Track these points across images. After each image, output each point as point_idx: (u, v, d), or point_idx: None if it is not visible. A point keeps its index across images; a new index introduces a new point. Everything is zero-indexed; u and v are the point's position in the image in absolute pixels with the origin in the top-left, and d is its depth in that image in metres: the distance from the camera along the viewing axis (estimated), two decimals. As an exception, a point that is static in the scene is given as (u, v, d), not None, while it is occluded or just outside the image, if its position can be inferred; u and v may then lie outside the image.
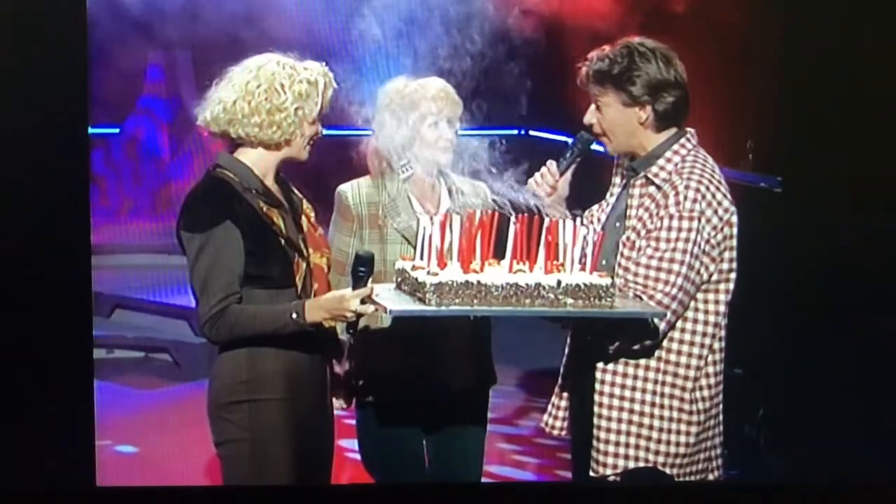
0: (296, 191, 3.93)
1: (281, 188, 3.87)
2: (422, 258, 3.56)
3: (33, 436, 4.53)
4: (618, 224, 3.73)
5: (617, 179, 3.92)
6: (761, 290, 5.42)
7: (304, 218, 3.89)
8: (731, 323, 5.92)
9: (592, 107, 3.78)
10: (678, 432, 3.70)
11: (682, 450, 3.71)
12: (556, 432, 3.96)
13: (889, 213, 4.90)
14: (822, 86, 5.06)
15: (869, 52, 4.88)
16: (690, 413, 3.70)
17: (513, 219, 3.59)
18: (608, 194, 3.94)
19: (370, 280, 3.67)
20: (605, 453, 3.73)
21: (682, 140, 3.75)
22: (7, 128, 4.45)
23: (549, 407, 3.98)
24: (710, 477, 3.80)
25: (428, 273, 3.45)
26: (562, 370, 3.95)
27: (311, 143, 3.83)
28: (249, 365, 3.78)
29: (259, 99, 3.73)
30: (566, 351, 3.92)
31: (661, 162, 3.71)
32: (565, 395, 3.94)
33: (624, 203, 3.76)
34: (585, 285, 3.44)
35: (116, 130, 8.05)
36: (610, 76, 3.71)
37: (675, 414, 3.70)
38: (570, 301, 3.44)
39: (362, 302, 3.62)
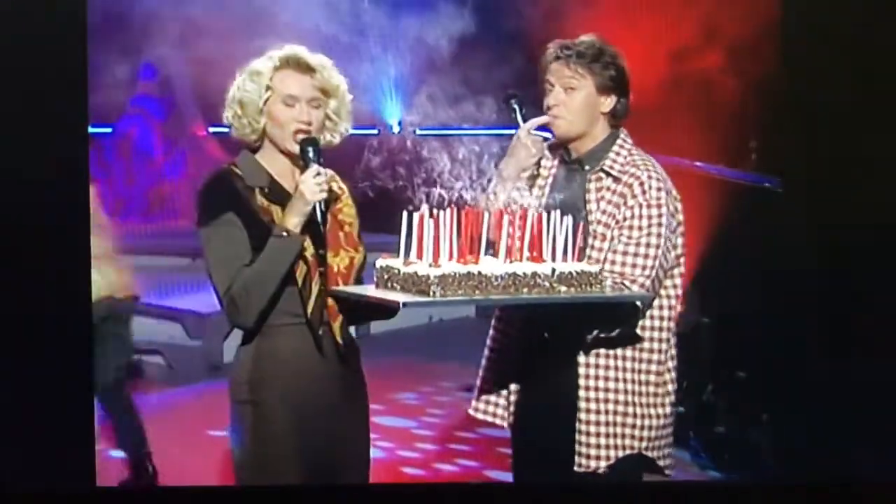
0: (336, 187, 4.06)
1: None
2: (407, 255, 3.85)
3: (33, 436, 4.80)
4: (566, 215, 4.02)
5: (544, 171, 4.31)
6: (762, 290, 5.95)
7: (330, 215, 4.03)
8: (732, 324, 6.33)
9: (558, 89, 4.17)
10: (657, 416, 4.16)
11: (660, 432, 4.18)
12: (499, 422, 4.30)
13: (891, 214, 5.21)
14: (825, 85, 5.31)
15: (874, 50, 5.20)
16: (665, 395, 4.18)
17: (489, 213, 3.95)
18: (534, 186, 4.28)
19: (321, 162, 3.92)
20: (598, 446, 4.14)
21: (623, 136, 4.22)
22: (5, 128, 4.77)
23: (500, 399, 4.30)
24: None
25: (430, 266, 3.79)
26: (520, 366, 4.27)
27: (296, 130, 3.94)
28: (254, 363, 3.95)
29: (228, 102, 3.99)
30: (525, 347, 4.26)
31: (611, 156, 4.18)
32: (517, 388, 4.29)
33: (578, 196, 4.18)
34: (577, 273, 3.88)
35: (109, 130, 8.29)
36: (591, 60, 4.15)
37: (651, 399, 4.16)
38: (563, 289, 3.87)
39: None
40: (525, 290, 3.87)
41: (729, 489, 5.50)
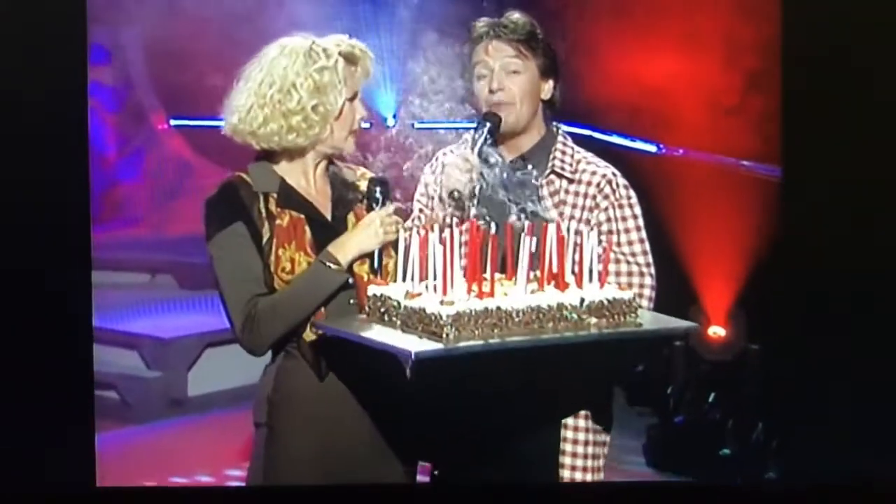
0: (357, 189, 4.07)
1: (332, 185, 4.04)
2: (404, 279, 3.63)
3: (33, 436, 5.13)
4: (514, 218, 3.97)
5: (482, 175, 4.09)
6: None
7: (353, 216, 4.02)
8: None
9: (499, 72, 4.08)
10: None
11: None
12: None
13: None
14: (833, 80, 5.42)
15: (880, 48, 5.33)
16: None
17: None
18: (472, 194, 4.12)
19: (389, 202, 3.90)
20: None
21: (561, 132, 4.20)
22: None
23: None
24: None
25: (442, 302, 3.49)
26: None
27: (354, 130, 3.97)
28: (276, 383, 3.99)
29: (273, 102, 3.88)
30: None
31: (557, 154, 4.15)
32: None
33: (533, 200, 4.03)
34: (609, 301, 3.58)
35: (53, 123, 8.11)
36: (535, 41, 4.11)
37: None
38: (593, 321, 3.57)
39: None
40: (550, 325, 3.55)
41: (727, 489, 5.68)
